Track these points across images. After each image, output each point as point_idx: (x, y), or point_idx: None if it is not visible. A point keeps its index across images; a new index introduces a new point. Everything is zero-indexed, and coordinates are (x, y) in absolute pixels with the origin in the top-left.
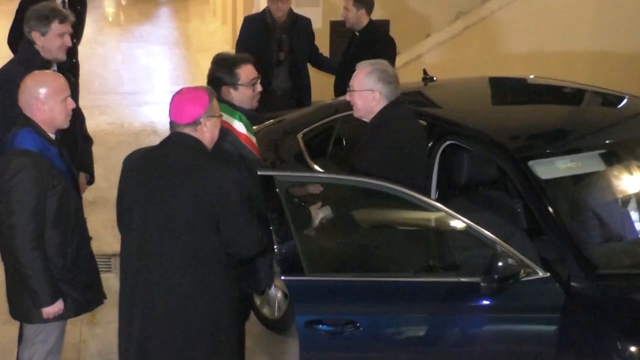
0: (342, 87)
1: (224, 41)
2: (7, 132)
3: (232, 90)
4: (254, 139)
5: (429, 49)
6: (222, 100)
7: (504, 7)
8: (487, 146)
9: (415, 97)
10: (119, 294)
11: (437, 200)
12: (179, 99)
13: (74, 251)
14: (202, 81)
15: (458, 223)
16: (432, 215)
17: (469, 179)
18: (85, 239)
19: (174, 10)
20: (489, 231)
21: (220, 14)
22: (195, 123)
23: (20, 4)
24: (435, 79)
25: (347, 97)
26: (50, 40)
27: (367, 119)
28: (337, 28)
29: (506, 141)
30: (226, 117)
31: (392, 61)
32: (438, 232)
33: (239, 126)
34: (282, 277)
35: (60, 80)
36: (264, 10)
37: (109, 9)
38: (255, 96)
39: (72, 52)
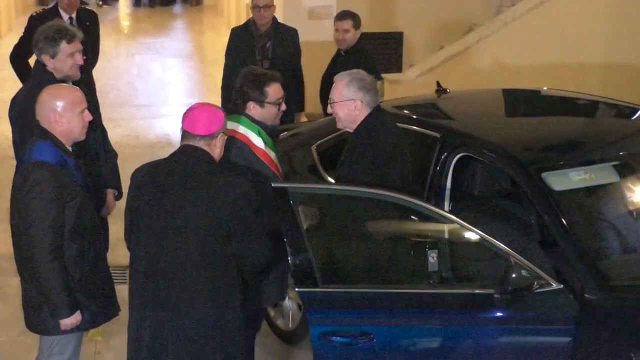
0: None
1: None
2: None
3: (258, 107)
4: (272, 155)
5: (443, 60)
6: (242, 113)
7: (517, 19)
8: (500, 158)
9: (429, 108)
10: (128, 307)
11: (451, 212)
12: (198, 110)
13: (91, 263)
14: (217, 93)
15: (472, 235)
16: (446, 227)
17: (482, 190)
18: (102, 250)
19: (188, 22)
20: (502, 243)
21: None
22: (211, 137)
23: (29, 21)
24: (448, 90)
25: (328, 109)
26: (60, 61)
27: (350, 129)
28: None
29: (519, 153)
30: (243, 130)
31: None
32: (452, 243)
33: (258, 140)
34: (296, 289)
35: (77, 93)
36: (249, 20)
37: (124, 22)
38: (279, 114)
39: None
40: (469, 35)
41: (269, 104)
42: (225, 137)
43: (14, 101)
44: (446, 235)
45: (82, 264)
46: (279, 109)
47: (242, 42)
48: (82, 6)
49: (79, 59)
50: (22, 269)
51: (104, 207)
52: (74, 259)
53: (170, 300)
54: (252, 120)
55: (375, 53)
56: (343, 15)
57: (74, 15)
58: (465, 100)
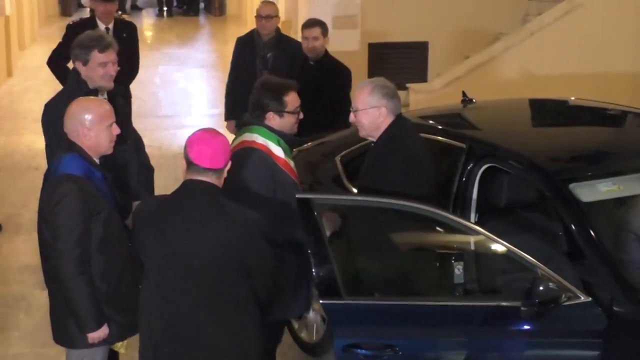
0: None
1: None
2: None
3: (277, 117)
4: (291, 164)
5: (468, 70)
6: (260, 124)
7: (544, 28)
8: (527, 169)
9: (454, 119)
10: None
11: (477, 223)
12: (209, 141)
13: (118, 276)
14: None
15: (498, 246)
16: (472, 239)
17: (508, 202)
18: (128, 264)
19: (211, 32)
20: (529, 254)
21: None
22: (221, 170)
23: (67, 29)
24: (474, 100)
25: (350, 118)
26: (92, 70)
27: (373, 137)
28: (377, 50)
29: (546, 163)
30: (262, 141)
31: (349, 89)
32: (477, 255)
33: (278, 150)
34: (320, 301)
35: (106, 107)
36: (253, 29)
37: (147, 32)
38: (297, 122)
39: (122, 82)
40: (495, 45)
41: (288, 113)
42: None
43: (47, 106)
44: (472, 247)
45: (110, 277)
46: (297, 118)
47: (245, 50)
48: (121, 17)
49: (111, 69)
50: (50, 282)
51: (130, 217)
52: (101, 272)
53: (181, 335)
54: (271, 130)
55: (399, 62)
56: (311, 23)
57: (110, 26)
58: (491, 110)
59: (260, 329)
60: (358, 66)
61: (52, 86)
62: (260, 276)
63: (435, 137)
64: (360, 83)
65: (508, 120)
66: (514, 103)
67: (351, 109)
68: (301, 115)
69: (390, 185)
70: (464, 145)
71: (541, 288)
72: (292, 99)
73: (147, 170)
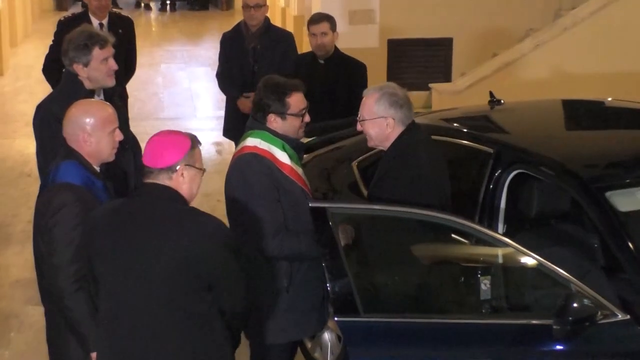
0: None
1: None
2: (48, 166)
3: (279, 119)
4: (299, 170)
5: (497, 69)
6: (263, 128)
7: (579, 24)
8: (560, 175)
9: (481, 121)
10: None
11: (505, 234)
12: (156, 140)
13: None
14: None
15: (528, 260)
16: (500, 251)
17: (539, 211)
18: None
19: (218, 27)
20: (562, 269)
21: None
22: (171, 169)
23: (58, 26)
24: (502, 101)
25: (357, 127)
26: (94, 69)
27: (383, 147)
28: (397, 47)
29: (581, 170)
30: (266, 146)
31: (366, 86)
32: (506, 269)
33: (282, 156)
34: (336, 318)
35: (109, 111)
36: (239, 23)
37: (149, 28)
38: (302, 126)
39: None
40: (525, 42)
41: (291, 115)
42: (194, 172)
43: (39, 108)
44: (500, 261)
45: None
46: (302, 121)
47: (234, 45)
48: (116, 12)
49: (113, 64)
50: (46, 300)
51: None
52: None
53: (138, 356)
54: (275, 134)
55: (421, 61)
56: (318, 18)
57: (105, 21)
58: (521, 112)
59: (230, 348)
60: (376, 64)
61: (46, 86)
62: (225, 289)
63: (460, 141)
64: (367, 90)
65: (539, 123)
66: (546, 104)
67: (357, 118)
68: (307, 118)
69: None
70: (491, 150)
71: (575, 305)
72: (295, 100)
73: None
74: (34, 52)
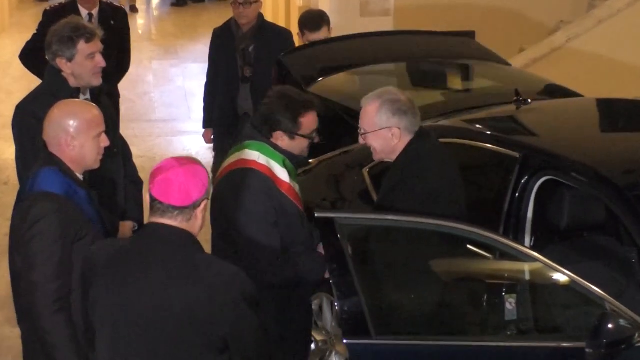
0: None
1: None
2: (28, 173)
3: (286, 138)
4: (297, 188)
5: (524, 65)
6: (265, 141)
7: (615, 16)
8: (594, 182)
9: (506, 123)
10: None
11: (533, 248)
12: (173, 170)
13: None
14: None
15: (558, 276)
16: (527, 267)
17: (571, 222)
18: None
19: (214, 21)
20: (596, 286)
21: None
22: (193, 206)
23: (44, 16)
24: (529, 101)
25: (360, 141)
26: (79, 65)
27: (390, 159)
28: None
29: (617, 176)
30: (264, 160)
31: None
32: (534, 287)
33: (282, 173)
34: (345, 340)
35: (95, 112)
36: (230, 19)
37: (139, 20)
38: (308, 147)
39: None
40: (555, 35)
41: (301, 136)
42: (206, 203)
43: (19, 108)
44: (527, 277)
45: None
46: (310, 142)
47: (223, 45)
48: (107, 1)
49: (100, 60)
50: (23, 321)
51: None
52: (82, 309)
53: None
54: (277, 148)
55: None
56: (317, 24)
57: (95, 12)
58: (550, 112)
59: None
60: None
61: (24, 85)
62: (241, 349)
63: (483, 144)
64: (365, 99)
65: (570, 125)
66: (578, 104)
67: (359, 131)
68: (317, 139)
69: None
70: (517, 155)
71: (610, 326)
72: (309, 121)
73: (134, 183)
74: (11, 48)
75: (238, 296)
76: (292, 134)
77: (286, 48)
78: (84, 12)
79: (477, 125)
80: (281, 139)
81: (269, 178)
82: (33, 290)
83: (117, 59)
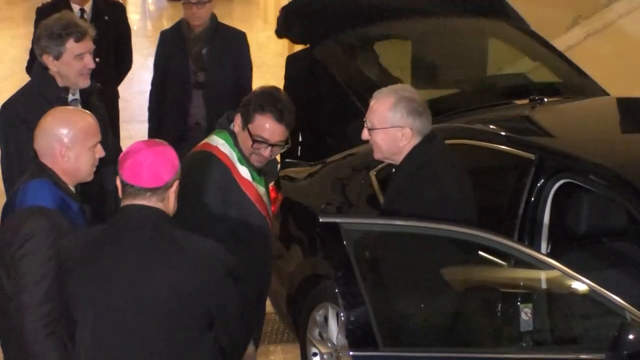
0: None
1: (279, 54)
2: (13, 183)
3: (239, 124)
4: (261, 190)
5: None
6: (228, 129)
7: (636, 10)
8: (614, 185)
9: (521, 123)
10: None
11: (549, 255)
12: (142, 153)
13: None
14: None
15: (576, 284)
16: (543, 275)
17: (589, 227)
18: None
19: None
20: (616, 295)
21: (272, 21)
22: (166, 187)
23: (37, 15)
24: (546, 100)
25: (363, 134)
26: (66, 65)
27: (393, 161)
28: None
29: (638, 179)
30: (227, 150)
31: None
32: (551, 296)
33: (243, 170)
34: (351, 352)
35: (91, 121)
36: (180, 20)
37: (134, 16)
38: (260, 160)
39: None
40: (572, 31)
41: (248, 132)
42: (177, 183)
43: (4, 108)
44: (544, 285)
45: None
46: (252, 146)
47: (172, 48)
48: None
49: (89, 61)
50: (7, 345)
51: None
52: (75, 334)
53: None
54: (235, 142)
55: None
56: None
57: (88, 7)
58: (567, 112)
59: None
60: (402, 58)
61: (14, 83)
62: (224, 323)
63: (497, 146)
64: (378, 93)
65: (589, 125)
66: (597, 103)
67: (365, 125)
68: (273, 154)
69: None
70: (533, 156)
71: (631, 337)
72: (262, 124)
73: None
74: (1, 45)
75: (220, 269)
76: (244, 124)
77: (242, 51)
78: (75, 7)
79: (491, 126)
80: (237, 124)
81: (228, 168)
82: (23, 313)
83: (116, 57)
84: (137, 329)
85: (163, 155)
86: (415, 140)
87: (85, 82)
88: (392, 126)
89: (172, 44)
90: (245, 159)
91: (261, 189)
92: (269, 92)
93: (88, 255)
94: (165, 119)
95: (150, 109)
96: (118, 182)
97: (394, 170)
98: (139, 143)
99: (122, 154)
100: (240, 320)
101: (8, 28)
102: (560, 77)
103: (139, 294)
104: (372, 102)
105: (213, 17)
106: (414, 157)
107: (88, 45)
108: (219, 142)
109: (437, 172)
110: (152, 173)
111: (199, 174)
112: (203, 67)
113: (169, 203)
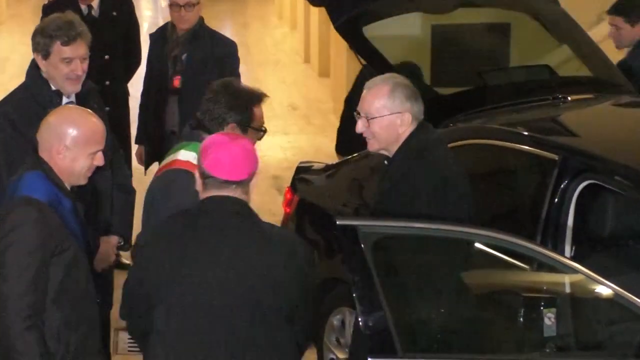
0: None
1: (294, 52)
2: (2, 184)
3: (238, 132)
4: None
5: (564, 60)
6: (199, 140)
7: None
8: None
9: (544, 122)
10: None
11: (573, 258)
12: (227, 147)
13: (79, 339)
14: (267, 104)
15: (601, 288)
16: (567, 279)
17: (614, 230)
18: (95, 323)
19: (228, 12)
20: None
21: (288, 17)
22: (249, 179)
23: (43, 12)
24: (569, 98)
25: (358, 127)
26: (52, 67)
27: (388, 152)
28: (443, 34)
29: None
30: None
31: None
32: (575, 300)
33: None
34: (369, 359)
35: (99, 127)
36: (166, 23)
37: (146, 12)
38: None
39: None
40: (597, 27)
41: (253, 129)
42: None
43: None
44: (567, 290)
45: (68, 338)
46: (260, 137)
47: (156, 51)
48: None
49: (78, 68)
50: None
51: (97, 258)
52: (56, 331)
53: None
54: None
55: (472, 50)
56: None
57: (95, 4)
58: (592, 111)
59: None
60: (418, 55)
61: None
62: (303, 314)
63: (519, 146)
64: (370, 82)
65: (614, 124)
66: (622, 102)
67: (358, 116)
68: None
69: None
70: (556, 157)
71: None
72: (260, 113)
73: (125, 193)
74: (9, 42)
75: (304, 260)
76: (245, 127)
77: (229, 60)
78: (82, 5)
79: (512, 126)
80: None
81: None
82: (4, 304)
83: (124, 54)
84: (223, 316)
85: (246, 148)
86: (412, 127)
87: (73, 88)
88: (391, 113)
89: (154, 47)
90: None
91: None
92: (234, 86)
93: (175, 243)
94: (148, 125)
95: (139, 112)
96: (198, 174)
97: (386, 161)
98: (221, 136)
99: (204, 146)
100: (313, 310)
101: (17, 25)
102: (592, 70)
103: (229, 282)
104: (366, 93)
105: (199, 21)
106: (412, 143)
107: (78, 50)
108: (189, 156)
109: (438, 156)
110: (237, 166)
111: (180, 193)
112: (180, 71)
113: (250, 195)
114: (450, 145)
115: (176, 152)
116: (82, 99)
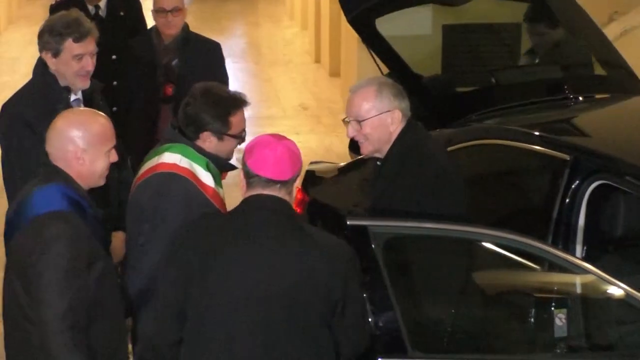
0: None
1: (305, 52)
2: (16, 188)
3: (214, 139)
4: (221, 193)
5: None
6: (186, 143)
7: None
8: None
9: (555, 122)
10: None
11: (585, 259)
12: (274, 147)
13: (113, 352)
14: (276, 103)
15: (613, 289)
16: (578, 279)
17: (626, 230)
18: (124, 334)
19: (239, 12)
20: None
21: (299, 17)
22: (293, 179)
23: (51, 13)
24: (580, 98)
25: (349, 132)
26: (63, 64)
27: (380, 154)
28: (454, 34)
29: None
30: (187, 163)
31: None
32: (586, 301)
33: (206, 177)
34: (379, 359)
35: (107, 124)
36: (151, 28)
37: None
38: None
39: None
40: (609, 27)
41: (230, 137)
42: None
43: (5, 108)
44: (579, 290)
45: (105, 353)
46: (239, 143)
47: (141, 57)
48: None
49: (88, 63)
50: (17, 357)
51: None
52: (94, 348)
53: None
54: (201, 151)
55: (484, 50)
56: None
57: (102, 4)
58: (603, 110)
59: None
60: (429, 54)
61: None
62: (350, 322)
63: (530, 146)
64: (355, 86)
65: (626, 124)
66: (634, 101)
67: (348, 121)
68: (244, 140)
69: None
70: (567, 157)
71: None
72: (239, 120)
73: (129, 191)
74: (20, 41)
75: (348, 263)
76: (220, 135)
77: (216, 63)
78: (89, 5)
79: (523, 125)
80: (208, 141)
81: (192, 183)
82: (45, 331)
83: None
84: (265, 317)
85: (291, 148)
86: (402, 125)
87: (84, 84)
88: (381, 112)
89: (141, 55)
90: (211, 163)
91: (221, 191)
92: (215, 92)
93: (216, 239)
94: (132, 131)
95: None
96: (242, 174)
97: (378, 162)
98: (267, 136)
99: (248, 146)
100: (358, 318)
101: (27, 25)
102: (606, 69)
103: (272, 282)
104: (352, 96)
105: (185, 26)
106: (404, 140)
107: (88, 47)
108: (174, 159)
109: (431, 149)
110: (282, 166)
111: (174, 198)
112: (172, 79)
113: (293, 195)
114: (462, 145)
115: (160, 154)
116: (88, 96)
